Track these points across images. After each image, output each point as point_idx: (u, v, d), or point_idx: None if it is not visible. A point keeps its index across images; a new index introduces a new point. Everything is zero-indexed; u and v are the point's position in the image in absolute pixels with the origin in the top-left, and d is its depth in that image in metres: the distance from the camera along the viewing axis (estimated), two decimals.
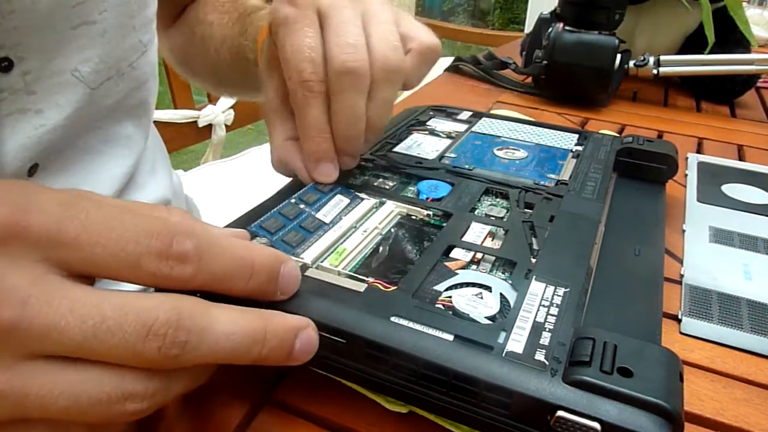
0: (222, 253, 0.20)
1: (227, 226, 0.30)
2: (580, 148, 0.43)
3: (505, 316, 0.24)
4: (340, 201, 0.32)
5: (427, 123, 0.47)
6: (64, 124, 0.34)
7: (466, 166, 0.38)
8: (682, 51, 0.76)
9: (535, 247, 0.30)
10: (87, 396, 0.18)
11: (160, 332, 0.18)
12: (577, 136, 0.45)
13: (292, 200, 0.31)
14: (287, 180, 0.36)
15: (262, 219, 0.29)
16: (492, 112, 0.61)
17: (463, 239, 0.30)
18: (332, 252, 0.28)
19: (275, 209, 0.30)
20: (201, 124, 1.10)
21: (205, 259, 0.19)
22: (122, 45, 0.37)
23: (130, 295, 0.18)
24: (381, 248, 0.30)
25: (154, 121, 1.08)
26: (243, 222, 0.30)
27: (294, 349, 0.21)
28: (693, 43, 0.74)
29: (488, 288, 0.26)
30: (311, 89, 0.30)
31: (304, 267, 0.26)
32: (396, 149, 0.41)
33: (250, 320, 0.20)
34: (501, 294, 0.26)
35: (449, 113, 0.49)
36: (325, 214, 0.31)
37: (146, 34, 0.40)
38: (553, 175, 0.38)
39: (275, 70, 0.33)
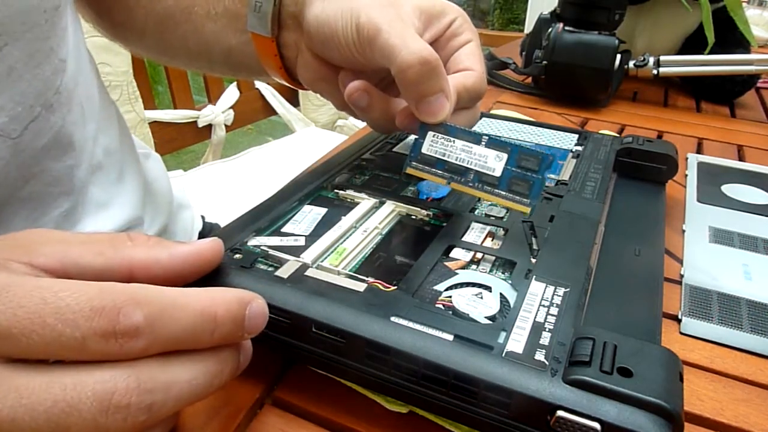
0: (179, 315, 0.19)
1: (225, 227, 0.30)
2: (580, 148, 0.43)
3: (505, 316, 0.24)
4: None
5: None
6: None
7: None
8: (682, 51, 0.76)
9: (535, 247, 0.30)
10: None
11: (122, 404, 0.17)
12: (577, 136, 0.45)
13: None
14: (287, 180, 0.36)
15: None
16: (492, 112, 0.61)
17: (463, 239, 0.30)
18: (332, 252, 0.28)
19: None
20: (201, 124, 1.10)
21: (160, 326, 0.18)
22: (40, 75, 0.32)
23: (81, 369, 0.17)
24: (381, 248, 0.30)
25: (154, 121, 1.07)
26: (243, 222, 0.30)
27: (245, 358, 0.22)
28: (693, 43, 0.74)
29: (488, 288, 0.26)
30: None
31: (304, 267, 0.26)
32: (396, 149, 0.41)
33: (207, 363, 0.20)
34: (501, 294, 0.26)
35: None
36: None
37: (64, 48, 0.34)
38: (553, 175, 0.38)
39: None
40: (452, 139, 0.30)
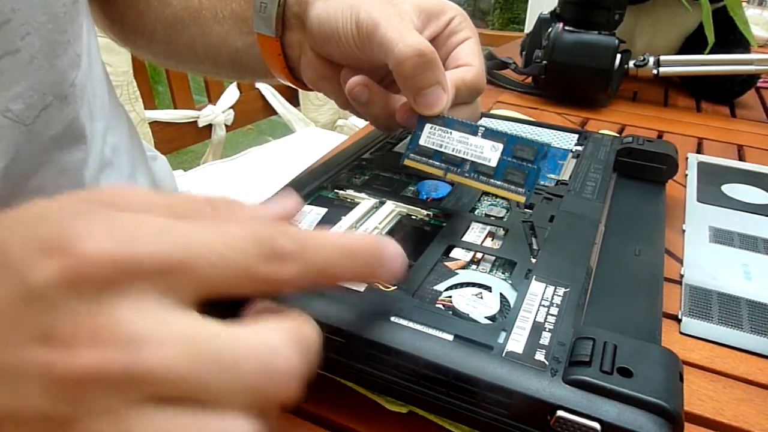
0: (321, 245, 0.20)
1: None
2: (580, 148, 0.43)
3: (505, 316, 0.24)
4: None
5: None
6: (2, 175, 0.31)
7: None
8: (682, 51, 0.76)
9: (535, 247, 0.30)
10: None
11: (277, 370, 0.17)
12: (577, 136, 0.45)
13: None
14: (287, 180, 0.36)
15: None
16: (492, 112, 0.61)
17: (463, 239, 0.30)
18: None
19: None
20: (201, 124, 1.10)
21: (308, 253, 0.19)
22: (58, 66, 0.33)
23: (243, 327, 0.17)
24: None
25: (154, 121, 1.07)
26: None
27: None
28: (693, 43, 0.74)
29: (488, 288, 0.26)
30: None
31: None
32: (396, 149, 0.41)
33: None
34: (501, 294, 0.26)
35: None
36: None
37: (80, 44, 0.36)
38: (553, 175, 0.38)
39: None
40: (449, 130, 0.31)
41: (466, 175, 0.30)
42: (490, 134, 0.30)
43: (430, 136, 0.31)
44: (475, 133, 0.30)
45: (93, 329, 0.16)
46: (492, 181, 0.30)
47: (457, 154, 0.30)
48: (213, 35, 0.42)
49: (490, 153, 0.30)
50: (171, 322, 0.16)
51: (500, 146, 0.30)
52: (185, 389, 0.16)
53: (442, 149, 0.31)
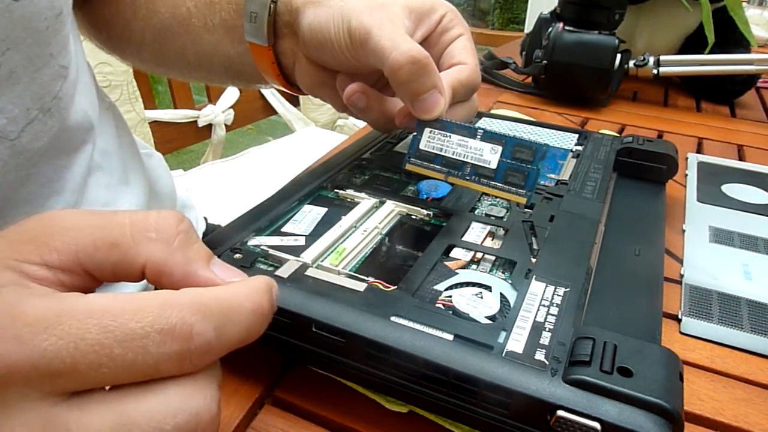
0: (239, 319, 0.18)
1: (225, 227, 0.29)
2: (580, 147, 0.43)
3: (505, 315, 0.24)
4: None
5: None
6: None
7: None
8: (682, 51, 0.76)
9: (535, 246, 0.30)
10: None
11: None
12: (577, 136, 0.45)
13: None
14: (287, 180, 0.36)
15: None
16: (492, 112, 0.61)
17: (463, 239, 0.30)
18: (332, 251, 0.28)
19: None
20: (201, 123, 1.10)
21: (226, 336, 0.17)
22: (39, 79, 0.32)
23: (152, 396, 0.16)
24: (381, 248, 0.30)
25: (154, 121, 1.07)
26: (243, 222, 0.30)
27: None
28: (693, 43, 0.74)
29: (488, 288, 0.26)
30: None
31: (305, 266, 0.26)
32: (396, 149, 0.41)
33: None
34: (501, 294, 0.26)
35: None
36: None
37: (66, 56, 0.35)
38: (553, 175, 0.38)
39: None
40: (448, 134, 0.31)
41: (467, 177, 0.30)
42: (489, 136, 0.30)
43: (430, 140, 0.31)
44: (474, 136, 0.30)
45: None
46: (493, 183, 0.30)
47: (458, 158, 0.31)
48: (204, 43, 0.41)
49: (489, 155, 0.30)
50: (68, 421, 0.15)
51: (499, 148, 0.30)
52: None
53: (442, 153, 0.31)
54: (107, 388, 0.16)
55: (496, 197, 0.35)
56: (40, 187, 0.35)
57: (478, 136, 0.30)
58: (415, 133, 0.32)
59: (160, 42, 0.43)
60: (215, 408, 0.17)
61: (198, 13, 0.40)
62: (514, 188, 0.29)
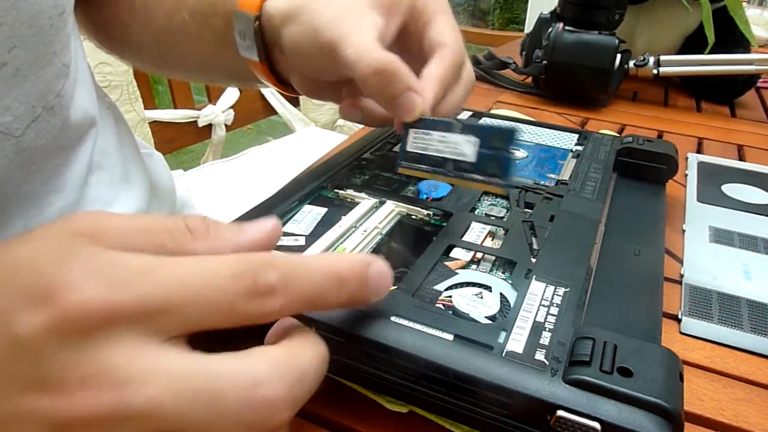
0: (307, 274, 0.19)
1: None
2: (580, 148, 0.43)
3: (505, 315, 0.24)
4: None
5: None
6: None
7: None
8: (682, 51, 0.76)
9: (535, 247, 0.30)
10: None
11: (267, 396, 0.17)
12: (577, 136, 0.45)
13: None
14: (287, 180, 0.36)
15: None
16: (492, 112, 0.61)
17: (463, 239, 0.30)
18: (332, 251, 0.28)
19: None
20: (201, 123, 1.10)
21: (292, 285, 0.19)
22: (43, 78, 0.33)
23: (225, 357, 0.18)
24: (381, 248, 0.30)
25: (154, 121, 1.07)
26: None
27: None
28: (693, 43, 0.74)
29: (488, 288, 0.26)
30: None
31: None
32: (396, 149, 0.41)
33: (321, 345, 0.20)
34: (501, 294, 0.26)
35: None
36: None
37: (67, 54, 0.35)
38: (553, 175, 0.38)
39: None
40: (429, 132, 0.31)
41: (450, 174, 0.30)
42: (467, 129, 0.29)
43: (415, 141, 0.31)
44: (451, 130, 0.30)
45: (81, 375, 0.16)
46: (472, 176, 0.29)
47: (439, 155, 0.30)
48: (202, 51, 0.41)
49: (467, 148, 0.29)
50: (155, 361, 0.17)
51: (476, 140, 0.29)
52: (173, 424, 0.17)
53: (426, 152, 0.31)
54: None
55: (495, 196, 0.35)
56: (40, 185, 0.35)
57: (458, 130, 0.30)
58: (402, 136, 0.32)
59: (159, 46, 0.43)
60: (281, 389, 0.18)
61: (193, 23, 0.40)
62: (492, 178, 0.29)
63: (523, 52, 0.77)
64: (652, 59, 0.67)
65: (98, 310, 0.16)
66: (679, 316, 0.32)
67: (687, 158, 0.51)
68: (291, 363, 0.18)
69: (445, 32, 0.34)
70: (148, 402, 0.16)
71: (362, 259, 0.21)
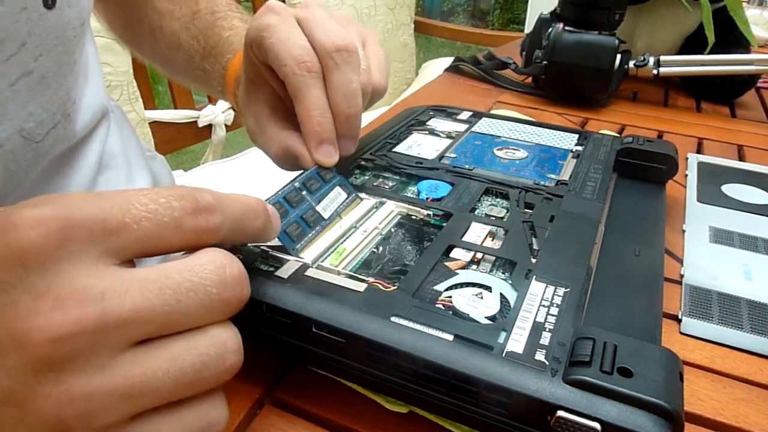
0: (230, 200, 0.21)
1: None
2: (580, 148, 0.43)
3: (505, 316, 0.24)
4: (339, 194, 0.32)
5: (427, 123, 0.47)
6: (2, 183, 0.32)
7: (466, 166, 0.38)
8: (682, 51, 0.76)
9: (535, 247, 0.30)
10: (190, 365, 0.18)
11: (237, 281, 0.20)
12: (577, 136, 0.45)
13: (296, 185, 0.30)
14: (287, 180, 0.36)
15: (267, 199, 0.29)
16: (492, 112, 0.61)
17: (463, 239, 0.30)
18: (332, 252, 0.28)
19: (279, 194, 0.30)
20: (201, 124, 1.10)
21: (224, 206, 0.21)
22: (65, 85, 0.34)
23: (186, 259, 0.19)
24: (381, 248, 0.30)
25: (154, 121, 1.07)
26: None
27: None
28: (693, 43, 0.74)
29: (488, 288, 0.26)
30: (310, 69, 0.31)
31: (305, 267, 0.26)
32: (396, 149, 0.41)
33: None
34: (501, 294, 0.26)
35: (449, 113, 0.49)
36: (325, 207, 0.31)
37: (82, 62, 0.37)
38: (553, 175, 0.38)
39: (261, 83, 0.35)
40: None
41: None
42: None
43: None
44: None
45: (55, 295, 0.17)
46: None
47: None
48: (204, 73, 0.47)
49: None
50: (127, 275, 0.18)
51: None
52: (162, 323, 0.18)
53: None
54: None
55: (496, 196, 0.35)
56: (46, 180, 0.36)
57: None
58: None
59: (167, 58, 0.48)
60: (240, 268, 0.20)
61: (193, 51, 0.46)
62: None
63: (523, 53, 0.77)
64: (652, 59, 0.67)
65: (55, 226, 0.17)
66: (679, 317, 0.32)
67: (687, 158, 0.51)
68: (231, 254, 0.20)
69: (278, 53, 0.31)
70: (134, 307, 0.17)
71: (259, 199, 0.23)
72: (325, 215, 0.30)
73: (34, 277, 0.17)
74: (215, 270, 0.19)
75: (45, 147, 0.33)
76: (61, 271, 0.17)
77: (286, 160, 0.34)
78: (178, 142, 1.09)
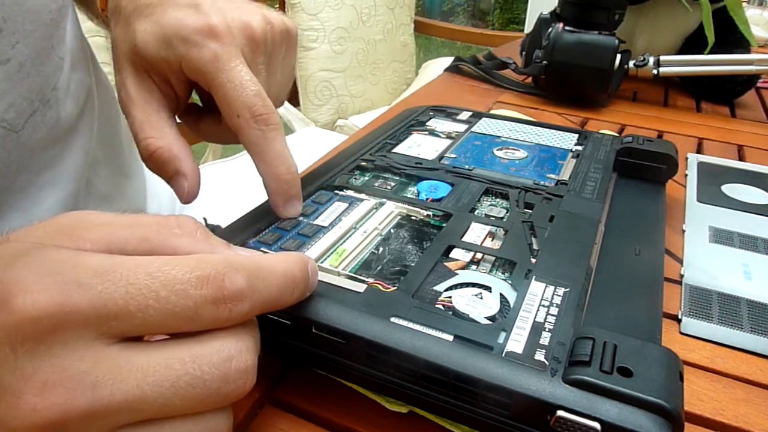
0: (269, 278, 0.20)
1: (225, 228, 0.30)
2: (580, 148, 0.43)
3: (505, 316, 0.24)
4: (338, 207, 0.32)
5: (427, 123, 0.47)
6: None
7: (466, 167, 0.38)
8: (682, 51, 0.76)
9: (535, 247, 0.30)
10: None
11: (241, 368, 0.18)
12: (577, 136, 0.45)
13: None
14: None
15: (260, 235, 0.29)
16: (492, 112, 0.61)
17: (463, 239, 0.30)
18: (332, 252, 0.28)
19: (274, 225, 0.30)
20: None
21: (258, 289, 0.19)
22: (43, 72, 0.33)
23: (192, 343, 0.18)
24: (381, 249, 0.30)
25: None
26: (243, 223, 0.30)
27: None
28: (693, 43, 0.74)
29: (488, 288, 0.26)
30: (269, 122, 0.29)
31: None
32: (396, 150, 0.41)
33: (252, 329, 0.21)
34: (501, 294, 0.26)
35: (449, 113, 0.49)
36: (324, 219, 0.31)
37: (63, 47, 0.35)
38: (552, 175, 0.38)
39: (161, 82, 0.30)
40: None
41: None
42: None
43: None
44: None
45: (43, 381, 0.16)
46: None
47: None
48: None
49: None
50: (120, 357, 0.17)
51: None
52: (153, 413, 0.17)
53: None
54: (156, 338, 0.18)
55: (496, 196, 0.35)
56: (35, 176, 0.35)
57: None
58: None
59: None
60: (249, 359, 0.19)
61: None
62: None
63: (523, 52, 0.77)
64: (652, 59, 0.67)
65: (49, 312, 0.16)
66: (679, 316, 0.32)
67: (687, 158, 0.51)
68: (251, 332, 0.19)
69: (230, 99, 0.28)
70: (126, 399, 0.16)
71: (303, 257, 0.22)
72: (326, 224, 0.30)
73: (23, 360, 0.16)
74: (220, 363, 0.18)
75: (25, 136, 0.32)
76: (52, 356, 0.16)
77: (158, 164, 0.31)
78: None
